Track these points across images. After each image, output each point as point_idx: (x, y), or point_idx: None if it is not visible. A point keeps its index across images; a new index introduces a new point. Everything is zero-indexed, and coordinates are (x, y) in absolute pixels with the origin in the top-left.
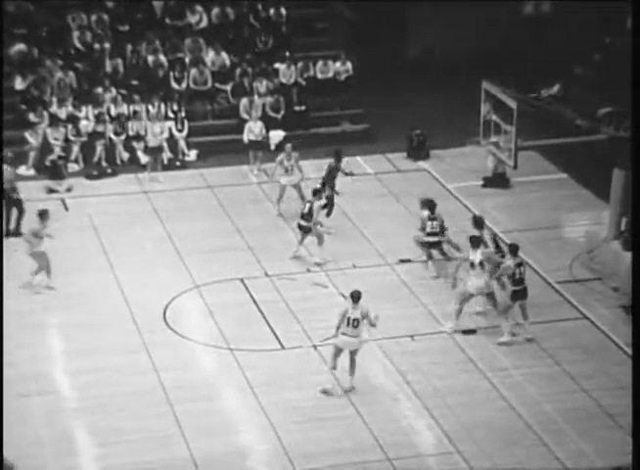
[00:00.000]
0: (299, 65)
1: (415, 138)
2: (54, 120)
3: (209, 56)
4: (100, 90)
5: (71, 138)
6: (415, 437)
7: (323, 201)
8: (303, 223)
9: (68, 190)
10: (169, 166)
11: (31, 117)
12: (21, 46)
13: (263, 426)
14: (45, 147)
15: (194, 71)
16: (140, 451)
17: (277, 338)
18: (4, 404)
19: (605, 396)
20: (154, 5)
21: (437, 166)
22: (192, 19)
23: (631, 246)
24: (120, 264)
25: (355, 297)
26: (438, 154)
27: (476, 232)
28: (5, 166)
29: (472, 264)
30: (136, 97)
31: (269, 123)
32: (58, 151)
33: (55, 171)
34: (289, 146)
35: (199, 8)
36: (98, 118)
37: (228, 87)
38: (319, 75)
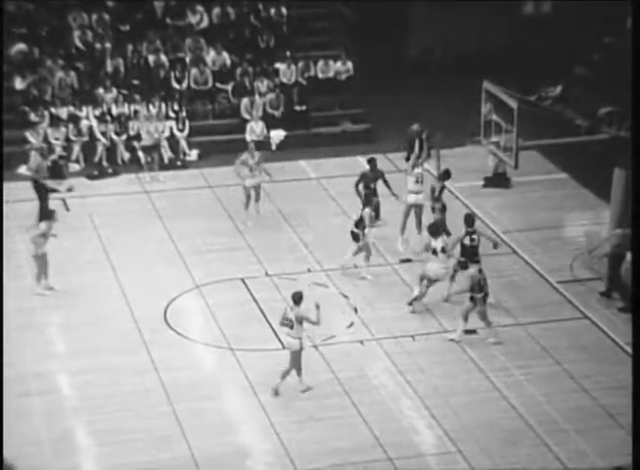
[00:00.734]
0: (300, 64)
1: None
2: (55, 120)
3: (210, 56)
4: (101, 90)
5: (72, 138)
6: (415, 436)
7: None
8: (356, 231)
9: (69, 190)
10: (170, 166)
11: (32, 116)
12: (21, 46)
13: (264, 426)
14: (45, 147)
15: (194, 71)
16: (140, 451)
17: (278, 337)
18: (4, 404)
19: (605, 395)
20: (154, 5)
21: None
22: (193, 18)
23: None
24: (121, 264)
25: (294, 298)
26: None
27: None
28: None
29: (434, 251)
30: (137, 97)
31: (270, 123)
32: (59, 151)
33: (56, 171)
34: (252, 145)
35: (199, 8)
36: (99, 119)
37: (229, 87)
38: (320, 75)
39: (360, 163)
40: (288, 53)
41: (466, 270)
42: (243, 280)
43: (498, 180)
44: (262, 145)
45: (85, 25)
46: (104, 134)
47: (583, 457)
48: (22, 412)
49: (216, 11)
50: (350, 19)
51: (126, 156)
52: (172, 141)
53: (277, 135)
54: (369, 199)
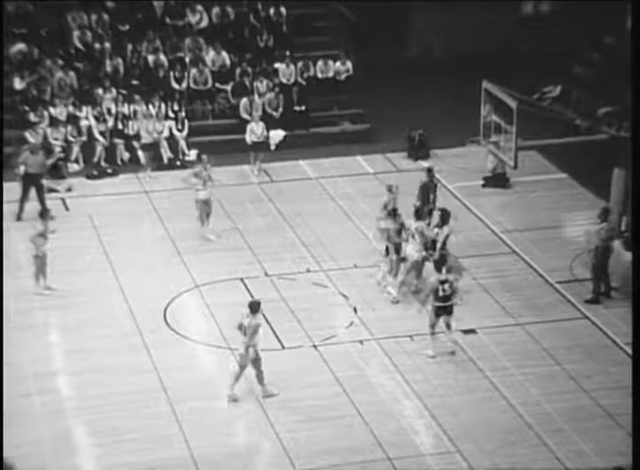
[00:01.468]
0: (299, 64)
1: (415, 138)
2: (54, 120)
3: (210, 55)
4: (100, 90)
5: (71, 139)
6: (415, 436)
7: (422, 223)
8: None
9: (69, 190)
10: (169, 166)
11: (32, 116)
12: (21, 46)
13: (263, 425)
14: (45, 147)
15: (194, 71)
16: (140, 451)
17: (277, 338)
18: (4, 404)
19: (605, 395)
20: (154, 4)
21: (438, 166)
22: (192, 18)
23: (631, 246)
24: (121, 264)
25: (252, 306)
26: (439, 153)
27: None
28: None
29: (412, 234)
30: (136, 97)
31: (269, 123)
32: (58, 151)
33: (55, 171)
34: (205, 156)
35: (199, 7)
36: (98, 119)
37: (228, 87)
38: (319, 75)
39: (360, 162)
40: (287, 53)
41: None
42: (242, 280)
43: (498, 180)
44: (262, 146)
45: (85, 25)
46: (102, 134)
47: (583, 457)
48: (22, 412)
49: (216, 11)
50: (350, 19)
51: (126, 156)
52: (172, 141)
53: (276, 135)
54: (422, 212)
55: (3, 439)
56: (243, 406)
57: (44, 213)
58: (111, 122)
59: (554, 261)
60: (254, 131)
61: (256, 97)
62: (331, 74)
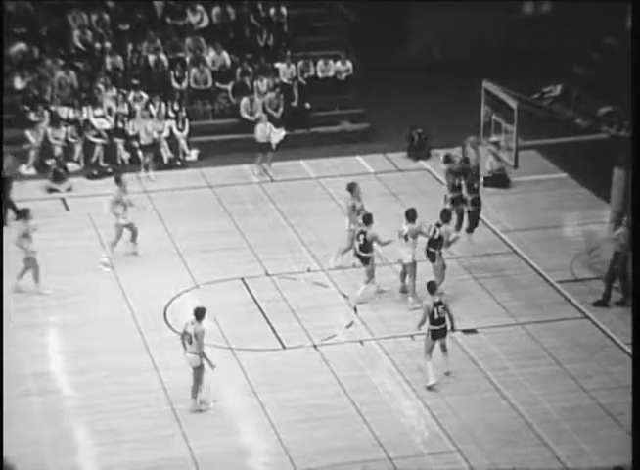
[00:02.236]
0: (300, 64)
1: (415, 137)
2: (55, 120)
3: (210, 55)
4: (100, 90)
5: (71, 140)
6: (415, 436)
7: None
8: (432, 250)
9: (69, 190)
10: (170, 166)
11: (32, 116)
12: (21, 45)
13: (264, 425)
14: (45, 146)
15: (194, 71)
16: (140, 451)
17: (278, 337)
18: (4, 404)
19: (605, 395)
20: (154, 4)
21: (438, 166)
22: (192, 18)
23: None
24: (121, 264)
25: (196, 313)
26: (439, 153)
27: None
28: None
29: (406, 237)
30: (136, 95)
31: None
32: (58, 151)
33: (56, 176)
34: (124, 179)
35: (199, 7)
36: (97, 118)
37: (229, 87)
38: (320, 75)
39: (360, 162)
40: (288, 52)
41: (433, 263)
42: (243, 280)
43: (498, 180)
44: (270, 147)
45: (85, 25)
46: (100, 135)
47: (583, 457)
48: (23, 412)
49: (216, 10)
50: (350, 19)
51: (126, 156)
52: (172, 141)
53: (276, 135)
54: (449, 213)
55: (3, 439)
56: (243, 406)
57: (23, 214)
58: (111, 122)
59: (554, 261)
60: (263, 131)
61: (257, 97)
62: (331, 74)
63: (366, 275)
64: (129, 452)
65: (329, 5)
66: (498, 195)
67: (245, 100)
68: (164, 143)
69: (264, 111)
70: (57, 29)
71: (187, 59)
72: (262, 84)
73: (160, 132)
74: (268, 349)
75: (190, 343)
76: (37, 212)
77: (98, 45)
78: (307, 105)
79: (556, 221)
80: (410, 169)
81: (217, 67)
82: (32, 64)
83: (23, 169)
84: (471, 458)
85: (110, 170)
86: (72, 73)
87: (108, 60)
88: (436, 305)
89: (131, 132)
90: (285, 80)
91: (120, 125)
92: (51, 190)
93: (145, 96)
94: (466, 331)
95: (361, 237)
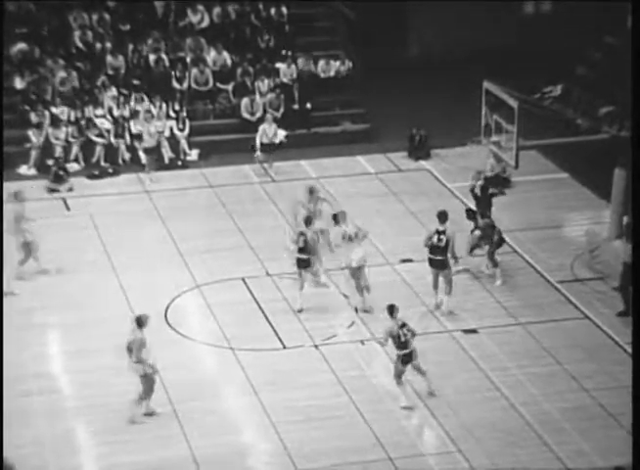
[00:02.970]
0: (300, 61)
1: (416, 137)
2: (55, 120)
3: (211, 55)
4: (101, 90)
5: (72, 140)
6: (415, 436)
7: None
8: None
9: (70, 190)
10: (171, 166)
11: (32, 116)
12: (22, 45)
13: (264, 425)
14: (46, 146)
15: (195, 71)
16: (140, 451)
17: (278, 337)
18: (4, 404)
19: (605, 395)
20: (155, 4)
21: (438, 166)
22: (193, 18)
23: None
24: (121, 264)
25: (138, 321)
26: (439, 153)
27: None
28: None
29: (350, 238)
30: (137, 96)
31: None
32: (59, 151)
33: (56, 178)
34: (20, 193)
35: (200, 7)
36: (99, 118)
37: (229, 87)
38: (321, 75)
39: (361, 162)
40: (288, 52)
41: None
42: (243, 280)
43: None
44: (273, 148)
45: (86, 25)
46: (101, 134)
47: (583, 457)
48: (23, 412)
49: (217, 10)
50: (350, 18)
51: (127, 156)
52: (173, 141)
53: (279, 136)
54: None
55: (3, 439)
56: (243, 406)
57: (17, 195)
58: (112, 123)
59: (554, 261)
60: (267, 133)
61: (257, 97)
62: (332, 74)
63: (312, 277)
64: (129, 452)
65: (329, 5)
66: (499, 195)
67: (245, 100)
68: (165, 143)
69: (265, 111)
70: (57, 29)
71: (188, 59)
72: (263, 85)
73: (161, 132)
74: (269, 349)
75: (130, 351)
76: (37, 212)
77: (99, 45)
78: (308, 105)
79: (556, 221)
80: (410, 169)
81: (218, 67)
82: (33, 64)
83: (24, 169)
84: (471, 458)
85: (111, 170)
86: (73, 74)
87: (108, 60)
88: (401, 327)
89: (134, 131)
90: (285, 80)
91: (122, 127)
92: (52, 190)
93: (146, 99)
94: (466, 331)
95: (301, 239)
